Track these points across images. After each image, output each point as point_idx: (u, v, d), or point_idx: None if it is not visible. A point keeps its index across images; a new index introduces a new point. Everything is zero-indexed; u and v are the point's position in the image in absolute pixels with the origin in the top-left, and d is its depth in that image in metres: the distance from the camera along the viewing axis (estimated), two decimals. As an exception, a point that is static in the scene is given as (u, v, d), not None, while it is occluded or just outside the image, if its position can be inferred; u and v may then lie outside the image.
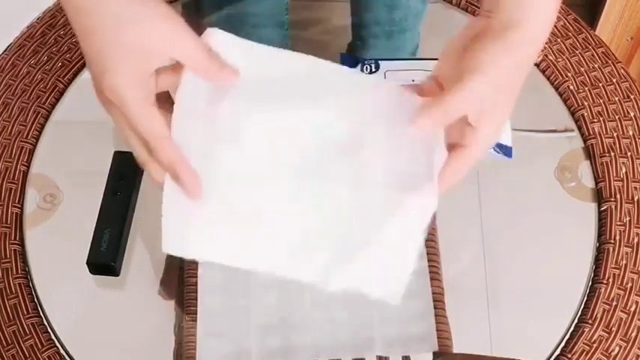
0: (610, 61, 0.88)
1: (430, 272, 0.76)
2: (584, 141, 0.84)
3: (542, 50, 0.88)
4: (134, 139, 0.58)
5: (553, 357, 0.72)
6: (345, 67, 0.66)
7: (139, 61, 0.57)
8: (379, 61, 0.88)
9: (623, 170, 0.82)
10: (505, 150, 0.83)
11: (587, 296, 0.75)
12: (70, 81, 0.86)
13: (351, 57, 0.89)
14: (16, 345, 0.72)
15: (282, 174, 0.63)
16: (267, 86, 0.64)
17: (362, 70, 0.87)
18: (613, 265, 0.76)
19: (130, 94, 0.57)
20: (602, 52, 0.89)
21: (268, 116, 0.63)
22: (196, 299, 0.75)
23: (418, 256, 0.62)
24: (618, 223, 0.79)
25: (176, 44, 0.58)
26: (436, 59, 0.86)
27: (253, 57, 0.64)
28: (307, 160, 0.63)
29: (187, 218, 0.61)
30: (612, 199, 0.80)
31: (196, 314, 0.74)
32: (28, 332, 0.73)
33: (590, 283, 0.76)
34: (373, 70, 0.87)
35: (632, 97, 0.86)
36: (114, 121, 0.58)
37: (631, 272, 0.76)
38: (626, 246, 0.77)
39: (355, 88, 0.64)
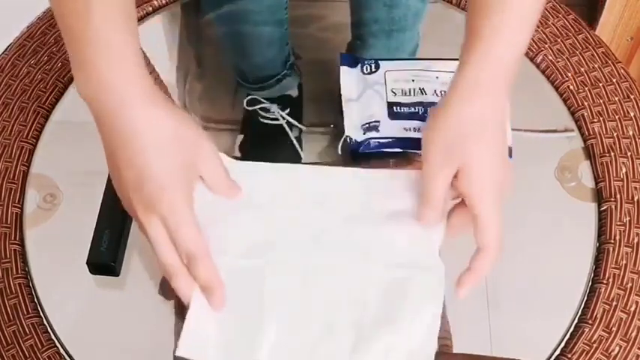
0: (610, 61, 0.88)
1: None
2: (584, 141, 0.84)
3: (542, 50, 0.88)
4: (171, 252, 0.63)
5: (553, 357, 0.72)
6: (349, 169, 0.75)
7: (191, 178, 0.65)
8: (379, 61, 0.88)
9: (623, 170, 0.82)
10: None
11: (587, 296, 0.76)
12: (70, 81, 0.86)
13: (351, 56, 0.89)
14: (16, 345, 0.72)
15: (290, 278, 0.69)
16: (275, 201, 0.73)
17: (362, 70, 0.87)
18: (613, 265, 0.76)
19: (186, 210, 0.63)
20: (602, 52, 0.89)
21: (276, 226, 0.71)
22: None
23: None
24: (618, 223, 0.79)
25: (213, 164, 0.68)
26: (436, 59, 0.87)
27: (260, 174, 0.74)
28: (311, 258, 0.70)
29: (212, 328, 0.67)
30: (612, 199, 0.80)
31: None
32: (28, 332, 0.73)
33: (590, 283, 0.76)
34: (373, 69, 0.87)
35: (632, 97, 0.86)
36: (150, 230, 0.63)
37: (631, 272, 0.76)
38: (626, 246, 0.77)
39: (355, 188, 0.73)
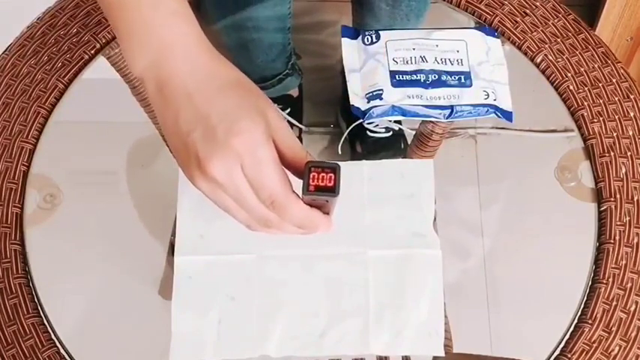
0: (610, 61, 0.88)
1: (430, 272, 0.77)
2: (584, 141, 0.84)
3: (542, 50, 0.88)
4: (254, 199, 0.54)
5: (553, 357, 0.72)
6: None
7: (264, 120, 0.55)
8: (379, 32, 0.88)
9: (623, 170, 0.82)
10: (506, 114, 0.84)
11: (587, 296, 0.75)
12: (70, 81, 0.86)
13: (352, 29, 0.90)
14: (16, 345, 0.72)
15: (287, 267, 0.71)
16: None
17: (363, 41, 0.88)
18: (613, 265, 0.76)
19: (269, 143, 0.54)
20: (602, 52, 0.89)
21: None
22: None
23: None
24: (618, 223, 0.79)
25: (279, 115, 0.57)
26: (436, 28, 0.88)
27: None
28: (306, 249, 0.71)
29: (206, 326, 0.69)
30: (612, 199, 0.80)
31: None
32: (28, 332, 0.73)
33: (590, 283, 0.76)
34: (374, 40, 0.87)
35: (632, 97, 0.86)
36: (219, 174, 0.53)
37: (631, 272, 0.76)
38: (626, 246, 0.77)
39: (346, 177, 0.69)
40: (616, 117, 0.85)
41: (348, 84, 0.84)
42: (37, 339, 0.73)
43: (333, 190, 0.53)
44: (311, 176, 0.53)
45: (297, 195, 0.55)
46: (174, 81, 0.55)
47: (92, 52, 0.87)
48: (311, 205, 0.56)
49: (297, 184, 0.55)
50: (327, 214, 0.58)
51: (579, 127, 0.85)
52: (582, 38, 0.90)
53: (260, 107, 0.55)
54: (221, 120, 0.53)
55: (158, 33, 0.56)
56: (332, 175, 0.53)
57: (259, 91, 0.57)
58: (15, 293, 0.75)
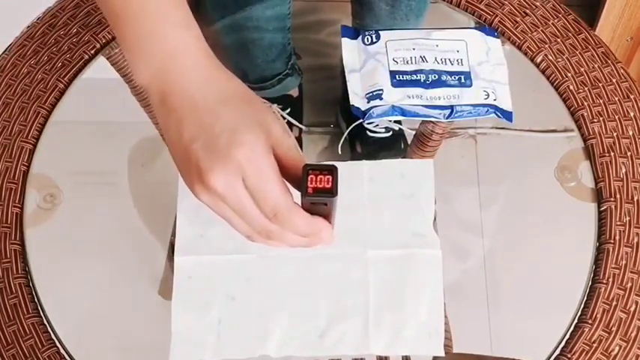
0: (610, 61, 0.88)
1: (430, 272, 0.77)
2: (584, 141, 0.84)
3: (542, 50, 0.88)
4: (255, 211, 0.54)
5: (553, 357, 0.72)
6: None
7: (267, 134, 0.55)
8: (379, 32, 0.88)
9: (623, 170, 0.82)
10: (506, 114, 0.84)
11: (587, 296, 0.75)
12: (70, 81, 0.86)
13: (352, 29, 0.90)
14: (16, 345, 0.72)
15: (287, 267, 0.71)
16: None
17: (363, 41, 0.87)
18: (613, 265, 0.76)
19: (271, 157, 0.54)
20: (602, 52, 0.89)
21: None
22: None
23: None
24: (618, 223, 0.79)
25: (284, 129, 0.56)
26: (435, 28, 0.88)
27: None
28: (311, 248, 0.68)
29: (206, 327, 0.69)
30: (612, 199, 0.80)
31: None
32: (28, 332, 0.73)
33: (590, 283, 0.76)
34: (374, 40, 0.87)
35: (632, 97, 0.86)
36: (219, 184, 0.53)
37: (631, 272, 0.76)
38: (626, 246, 0.77)
39: (346, 177, 0.66)
40: (616, 117, 0.85)
41: (348, 84, 0.84)
42: (37, 339, 0.73)
43: (331, 192, 0.53)
44: (309, 179, 0.53)
45: (299, 206, 0.55)
46: (178, 91, 0.56)
47: (92, 52, 0.87)
48: (312, 213, 0.56)
49: (297, 196, 0.55)
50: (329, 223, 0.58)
51: (579, 127, 0.85)
52: (582, 38, 0.90)
53: (262, 119, 0.55)
54: (223, 131, 0.53)
55: (163, 44, 0.56)
56: (330, 176, 0.53)
57: (261, 102, 0.58)
58: (15, 293, 0.75)
